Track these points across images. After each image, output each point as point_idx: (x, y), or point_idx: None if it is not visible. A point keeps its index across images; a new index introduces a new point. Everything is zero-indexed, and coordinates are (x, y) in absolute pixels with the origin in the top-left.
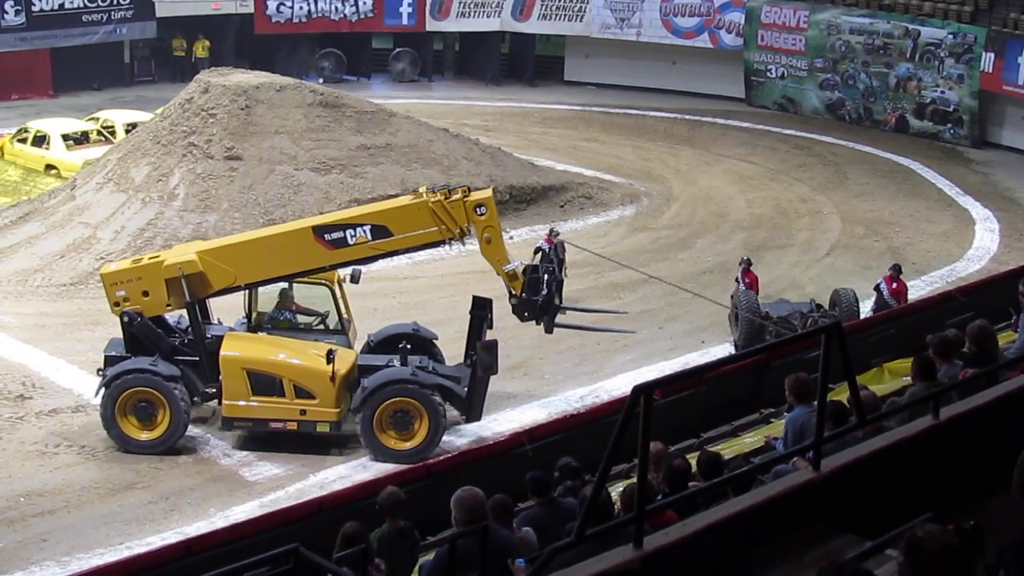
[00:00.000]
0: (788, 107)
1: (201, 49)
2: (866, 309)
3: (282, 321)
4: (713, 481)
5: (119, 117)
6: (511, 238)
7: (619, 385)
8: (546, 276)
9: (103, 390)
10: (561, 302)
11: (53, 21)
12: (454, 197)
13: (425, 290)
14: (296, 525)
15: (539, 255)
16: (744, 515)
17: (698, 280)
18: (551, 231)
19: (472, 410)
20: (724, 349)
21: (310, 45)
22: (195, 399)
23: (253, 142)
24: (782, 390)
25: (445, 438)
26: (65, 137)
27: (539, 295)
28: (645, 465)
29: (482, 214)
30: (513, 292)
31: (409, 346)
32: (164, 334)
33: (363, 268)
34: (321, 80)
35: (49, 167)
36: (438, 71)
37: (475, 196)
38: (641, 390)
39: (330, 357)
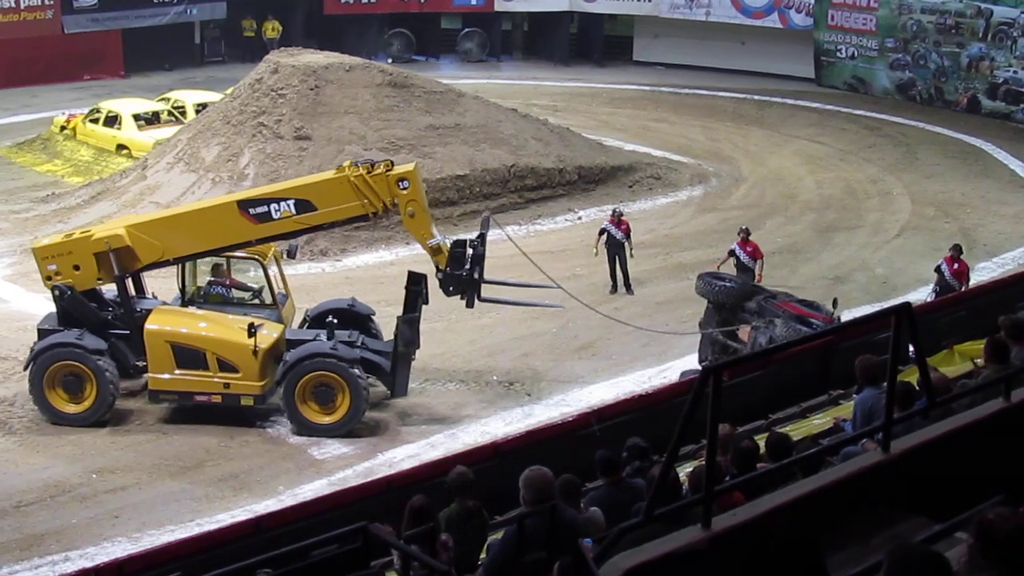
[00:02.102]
0: (858, 87)
1: (271, 29)
2: (928, 290)
3: (214, 296)
4: (782, 462)
5: (189, 97)
6: (579, 218)
7: (687, 365)
8: (471, 251)
9: (32, 363)
10: (482, 277)
11: (125, 2)
12: (376, 171)
13: (492, 270)
14: (364, 504)
15: (604, 236)
16: (812, 496)
17: (767, 261)
18: (614, 211)
19: (396, 385)
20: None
21: (379, 25)
22: (130, 371)
23: (322, 122)
24: (851, 371)
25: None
26: (136, 117)
27: (462, 270)
28: (714, 446)
29: (405, 188)
30: (439, 266)
31: (336, 320)
32: (97, 308)
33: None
34: (390, 60)
35: (120, 147)
36: (507, 51)
37: (398, 170)
38: (710, 370)
39: (251, 331)
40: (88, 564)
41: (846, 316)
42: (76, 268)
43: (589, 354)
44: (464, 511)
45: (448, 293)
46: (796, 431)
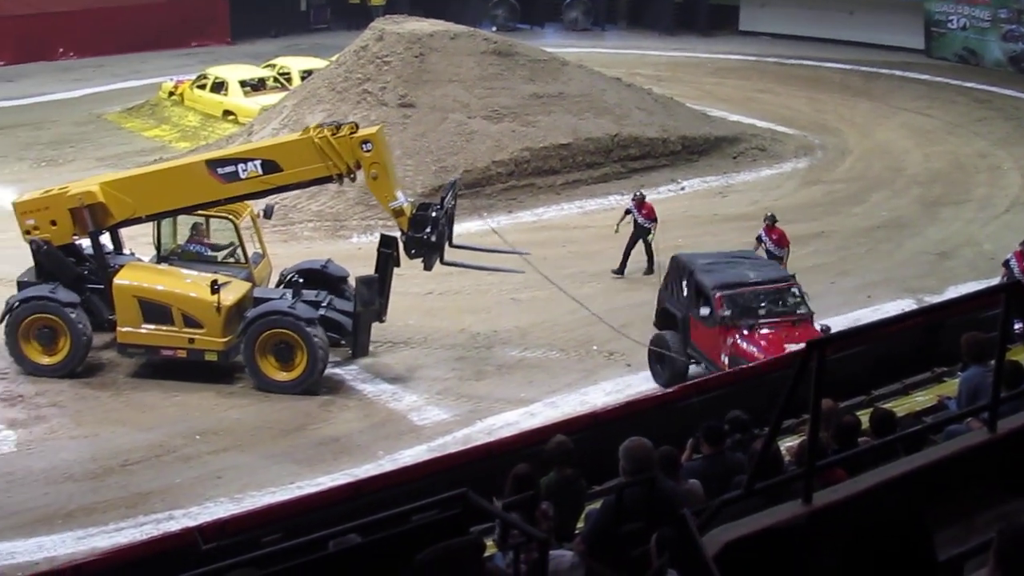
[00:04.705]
0: (969, 59)
1: None
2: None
3: (189, 253)
4: (885, 439)
5: (295, 64)
6: (682, 189)
7: None
8: (433, 214)
9: (6, 316)
10: (450, 241)
11: None
12: (341, 133)
13: (595, 240)
14: (464, 470)
15: (628, 215)
16: (916, 474)
17: (871, 235)
18: (635, 194)
19: (356, 345)
20: (895, 305)
21: None
22: (105, 325)
23: (426, 90)
24: (955, 348)
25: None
26: (243, 83)
27: (423, 233)
28: (817, 420)
29: (368, 150)
30: (402, 229)
31: (303, 280)
32: (74, 262)
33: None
34: (494, 28)
35: (227, 113)
36: (611, 20)
37: (361, 133)
38: (815, 345)
39: (215, 288)
40: (192, 523)
41: (952, 292)
42: (53, 223)
43: None
44: (562, 480)
45: (411, 256)
46: (899, 407)
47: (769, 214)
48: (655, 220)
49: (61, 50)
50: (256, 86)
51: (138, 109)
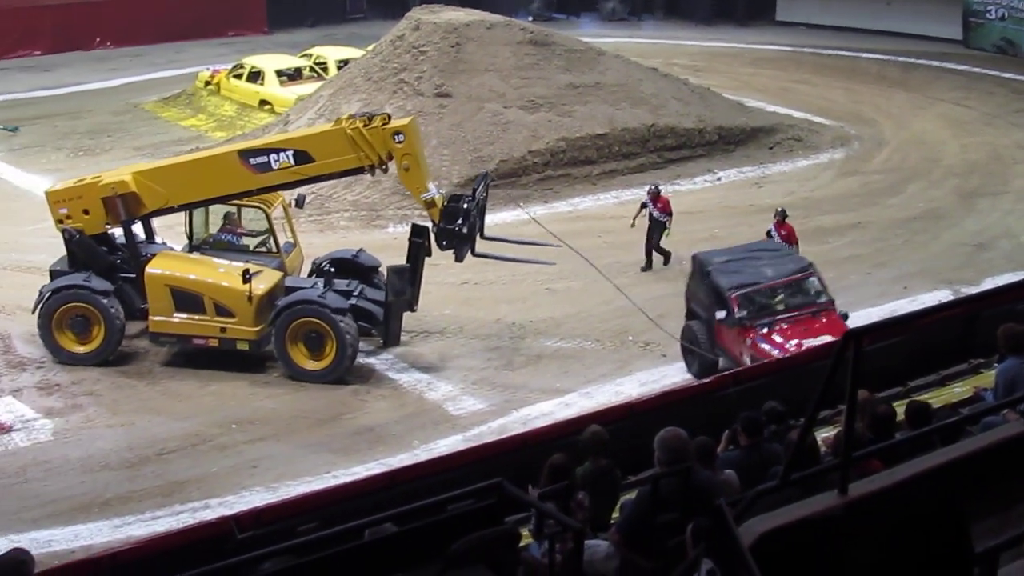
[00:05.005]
0: (1007, 49)
1: None
2: None
3: (220, 242)
4: (921, 430)
5: (331, 53)
6: (719, 179)
7: None
8: (465, 206)
9: (40, 305)
10: (481, 233)
11: None
12: (373, 124)
13: (630, 230)
14: (499, 460)
15: (644, 209)
16: (952, 466)
17: (907, 226)
18: (650, 188)
19: (388, 335)
20: (932, 296)
21: None
22: (137, 314)
23: (462, 79)
24: (992, 340)
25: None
26: (279, 73)
27: (455, 224)
28: (853, 411)
29: (400, 142)
30: (433, 220)
31: (334, 269)
32: (106, 251)
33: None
34: (531, 18)
35: (263, 102)
36: (648, 10)
37: (393, 124)
38: (852, 335)
39: (246, 277)
40: (227, 512)
41: (989, 284)
42: (86, 212)
43: None
44: (598, 470)
45: (442, 247)
46: (935, 399)
47: (780, 209)
48: (670, 214)
49: (98, 39)
50: (292, 76)
51: (175, 99)
